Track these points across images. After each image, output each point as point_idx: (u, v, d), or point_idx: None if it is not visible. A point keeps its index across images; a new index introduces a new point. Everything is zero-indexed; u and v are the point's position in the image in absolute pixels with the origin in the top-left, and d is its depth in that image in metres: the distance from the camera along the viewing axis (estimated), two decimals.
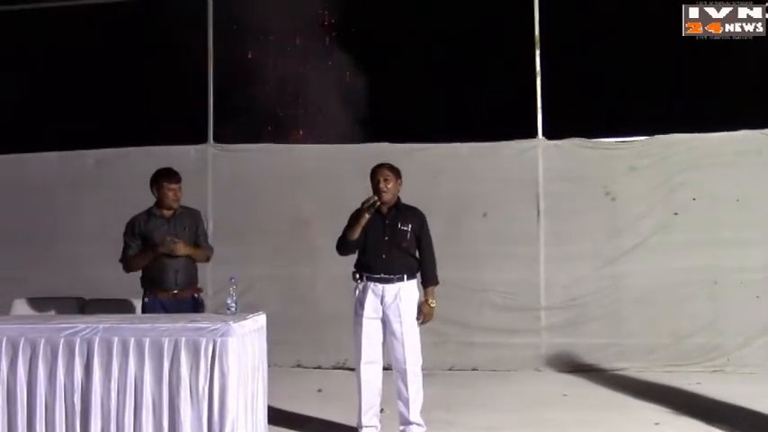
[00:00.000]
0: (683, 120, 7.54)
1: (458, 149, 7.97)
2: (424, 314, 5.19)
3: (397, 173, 5.25)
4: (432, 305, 5.21)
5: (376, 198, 5.10)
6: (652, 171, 7.67)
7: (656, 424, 5.53)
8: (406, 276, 5.12)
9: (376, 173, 5.20)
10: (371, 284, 5.12)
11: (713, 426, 5.40)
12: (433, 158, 7.89)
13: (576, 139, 7.81)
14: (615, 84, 7.95)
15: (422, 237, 5.22)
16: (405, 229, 5.14)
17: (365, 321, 5.10)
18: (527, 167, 7.80)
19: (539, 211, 7.74)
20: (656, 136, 7.72)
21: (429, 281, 5.24)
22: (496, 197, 7.81)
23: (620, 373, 7.33)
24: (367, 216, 5.07)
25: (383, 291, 5.09)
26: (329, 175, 7.87)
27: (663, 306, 7.52)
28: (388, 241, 5.11)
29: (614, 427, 5.46)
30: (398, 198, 5.27)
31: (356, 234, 5.11)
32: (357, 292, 5.19)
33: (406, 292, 5.11)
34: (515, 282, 7.72)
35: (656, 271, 7.55)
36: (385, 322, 5.11)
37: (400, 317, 5.06)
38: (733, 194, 7.50)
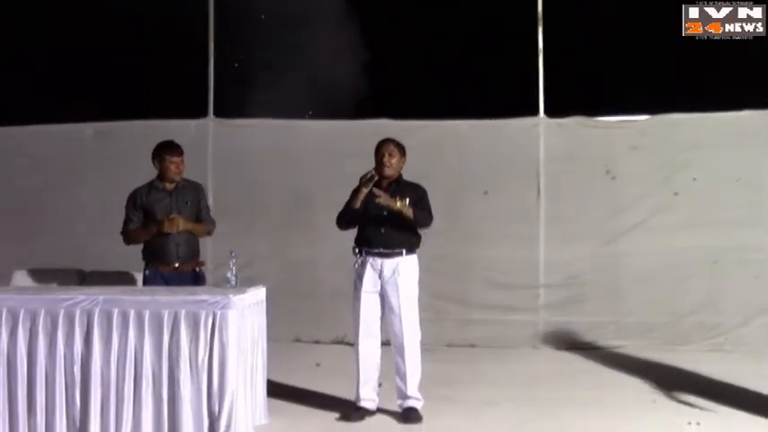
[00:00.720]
0: (686, 99, 7.51)
1: (458, 127, 7.94)
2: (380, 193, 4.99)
3: (402, 149, 5.24)
4: (395, 204, 4.97)
5: (374, 173, 5.08)
6: (653, 150, 7.65)
7: (654, 402, 5.56)
8: (404, 251, 5.12)
9: (381, 147, 5.19)
10: (370, 259, 5.12)
11: (710, 403, 5.42)
12: (433, 136, 7.86)
13: (578, 117, 7.79)
14: (618, 62, 7.91)
15: (422, 208, 5.19)
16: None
17: (364, 296, 5.11)
18: (528, 145, 7.78)
19: (539, 190, 7.73)
20: (658, 115, 7.70)
21: (415, 215, 5.07)
22: (497, 175, 7.80)
23: (618, 351, 7.35)
24: (365, 191, 5.06)
25: (382, 265, 5.09)
26: (330, 151, 7.86)
27: (662, 285, 7.54)
28: (387, 216, 5.10)
29: (611, 405, 5.48)
30: (400, 174, 5.26)
31: (355, 209, 5.10)
32: (356, 266, 5.19)
33: (405, 267, 5.11)
34: (514, 260, 7.72)
35: (655, 250, 7.56)
36: (383, 297, 5.12)
37: (398, 291, 5.06)
38: (734, 174, 7.50)
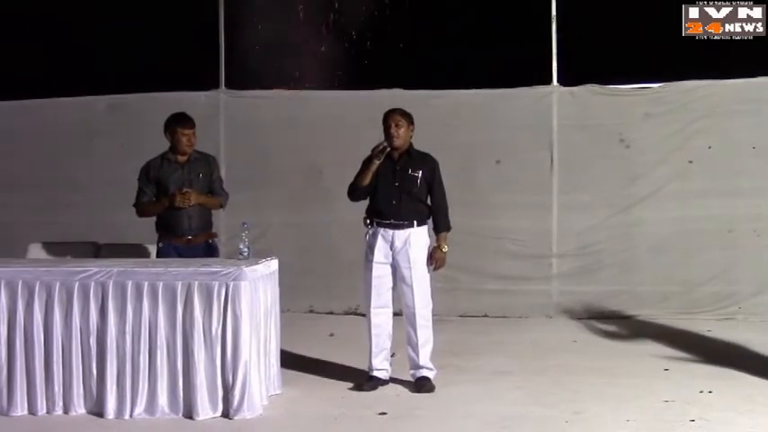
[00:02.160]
0: (701, 66, 7.42)
1: (472, 96, 7.89)
2: (435, 260, 5.21)
3: (409, 118, 5.20)
4: (444, 251, 5.23)
5: (385, 144, 5.07)
6: (668, 118, 7.58)
7: (666, 370, 5.57)
8: (416, 222, 5.12)
9: (387, 118, 5.16)
10: (381, 230, 5.12)
11: (723, 369, 5.42)
12: (446, 105, 7.82)
13: (592, 85, 7.71)
14: (632, 29, 7.82)
15: (433, 183, 5.20)
16: (415, 175, 5.13)
17: (375, 266, 5.12)
18: (541, 114, 7.72)
19: (552, 159, 7.69)
20: (672, 82, 7.61)
21: (440, 226, 5.25)
22: (510, 144, 7.75)
23: (632, 320, 7.35)
24: (377, 162, 5.06)
25: (393, 236, 5.10)
26: (342, 122, 7.83)
27: (676, 254, 7.51)
28: (399, 187, 5.10)
29: (624, 373, 5.49)
30: (411, 144, 5.24)
31: (366, 180, 5.10)
32: (367, 237, 5.20)
33: (416, 238, 5.11)
34: (528, 229, 7.71)
35: (669, 219, 7.52)
36: (395, 268, 5.13)
37: (410, 262, 5.07)
38: (750, 142, 7.42)
